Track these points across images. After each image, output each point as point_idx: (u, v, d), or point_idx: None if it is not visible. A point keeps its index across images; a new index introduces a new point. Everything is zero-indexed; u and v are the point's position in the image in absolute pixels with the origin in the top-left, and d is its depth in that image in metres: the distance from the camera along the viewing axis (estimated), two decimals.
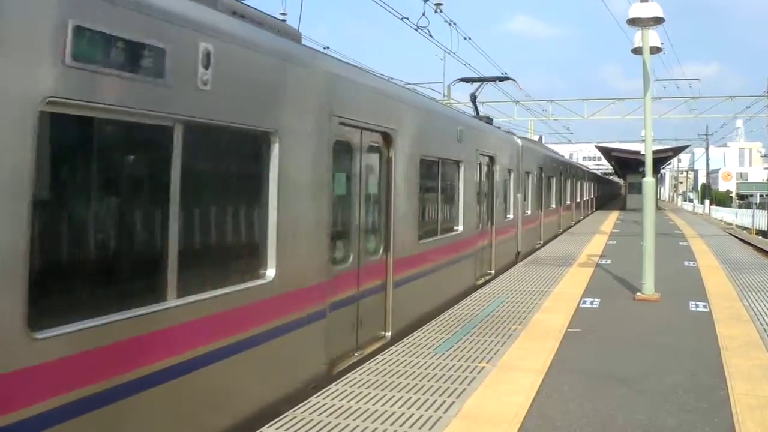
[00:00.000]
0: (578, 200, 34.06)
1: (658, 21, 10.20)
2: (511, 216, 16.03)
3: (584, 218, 34.32)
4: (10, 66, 3.49)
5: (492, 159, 13.94)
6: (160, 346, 4.45)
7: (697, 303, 9.74)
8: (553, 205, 24.06)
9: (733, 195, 71.33)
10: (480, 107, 38.30)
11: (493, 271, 13.69)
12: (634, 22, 10.24)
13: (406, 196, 8.86)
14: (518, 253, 16.61)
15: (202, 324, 4.83)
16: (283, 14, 16.10)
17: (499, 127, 17.48)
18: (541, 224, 20.81)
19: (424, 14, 16.15)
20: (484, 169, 13.51)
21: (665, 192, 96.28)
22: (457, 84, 18.62)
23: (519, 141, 17.58)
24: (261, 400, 5.55)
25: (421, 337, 7.69)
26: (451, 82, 18.97)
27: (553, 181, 24.03)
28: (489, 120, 16.18)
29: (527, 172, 18.25)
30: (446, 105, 19.96)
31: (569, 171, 29.83)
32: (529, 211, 18.55)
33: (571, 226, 27.75)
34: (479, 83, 18.38)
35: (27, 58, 3.60)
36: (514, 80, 20.63)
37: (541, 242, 20.16)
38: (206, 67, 4.83)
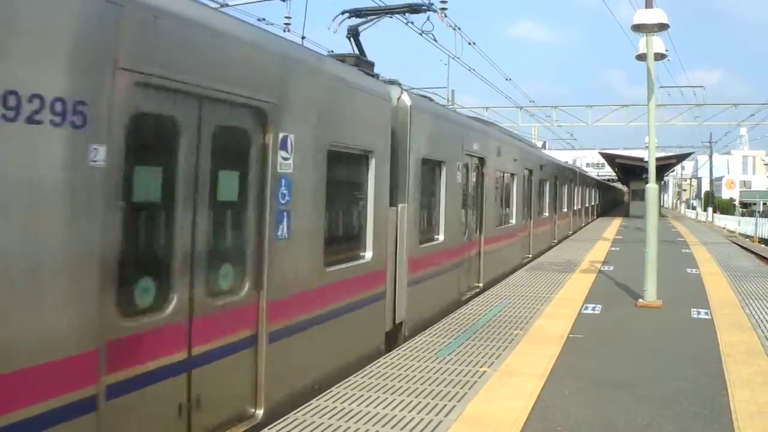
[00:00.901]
0: (566, 210, 26.89)
1: (662, 27, 10.22)
2: (366, 256, 7.86)
3: (574, 233, 27.84)
4: None
5: (261, 114, 5.72)
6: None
7: (699, 310, 9.74)
8: (514, 221, 16.19)
9: (737, 203, 71.24)
10: (483, 112, 38.30)
11: None
12: (638, 28, 10.26)
13: None
14: (399, 325, 8.71)
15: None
16: (288, 17, 16.17)
17: (375, 76, 8.86)
18: (481, 255, 12.75)
19: (428, 18, 16.13)
20: (224, 143, 5.37)
21: (668, 199, 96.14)
22: (343, 22, 10.42)
23: (403, 97, 8.94)
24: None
25: (423, 341, 7.71)
26: (334, 18, 10.17)
27: (516, 184, 16.26)
28: (364, 63, 8.84)
29: (438, 163, 10.24)
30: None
31: (551, 171, 22.51)
32: (441, 237, 10.36)
33: (552, 246, 21.26)
34: (375, 17, 10.69)
35: None
36: (434, 11, 13.29)
37: (481, 285, 12.53)
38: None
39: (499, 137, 15.15)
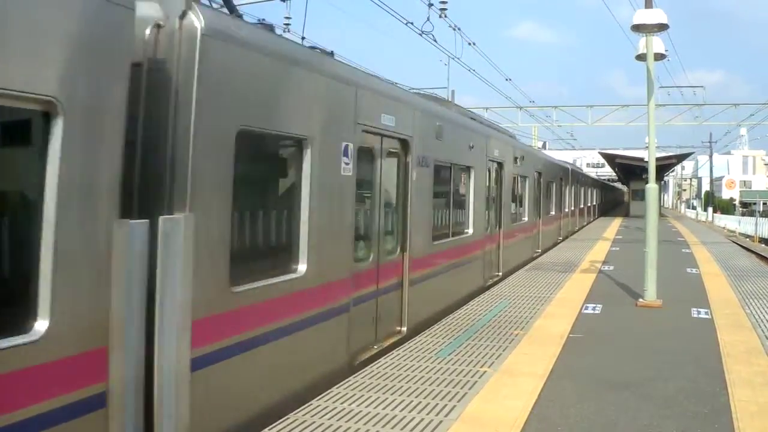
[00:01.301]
0: (554, 213, 23.22)
1: (662, 27, 10.23)
2: (35, 330, 3.71)
3: (564, 239, 24.17)
4: None
5: None
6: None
7: (699, 309, 9.73)
8: (471, 230, 12.05)
9: (737, 203, 71.27)
10: (484, 113, 38.20)
11: None
12: (638, 28, 10.27)
13: None
14: None
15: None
16: (288, 18, 16.19)
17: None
18: (405, 287, 8.77)
19: (428, 19, 16.16)
20: None
21: (668, 199, 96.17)
22: None
23: (191, 17, 4.82)
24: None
25: (424, 341, 7.71)
26: None
27: (475, 181, 12.20)
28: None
29: (294, 143, 6.40)
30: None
31: (532, 166, 18.20)
32: (301, 268, 6.24)
33: (534, 257, 17.83)
34: None
35: None
36: None
37: (404, 329, 8.64)
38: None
39: (438, 113, 10.57)
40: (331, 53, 7.75)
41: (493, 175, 13.91)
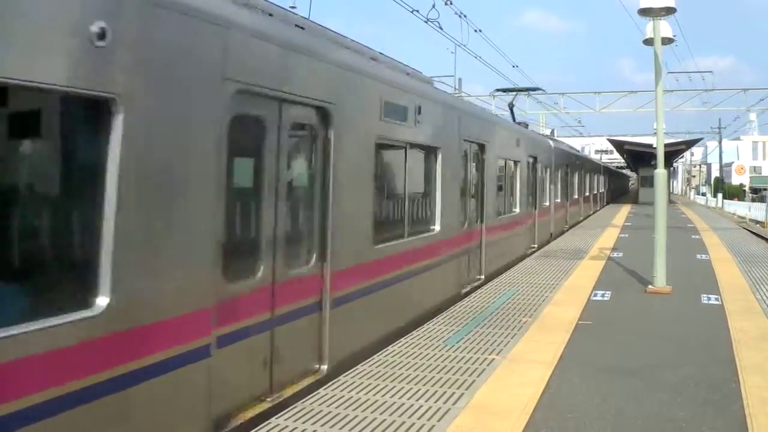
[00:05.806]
0: (503, 214, 14.14)
1: (669, 11, 10.12)
2: None
3: (522, 257, 14.77)
4: None
5: None
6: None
7: (709, 296, 9.66)
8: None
9: (747, 189, 70.78)
10: (491, 100, 37.90)
11: None
12: (645, 12, 10.17)
13: None
14: None
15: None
16: (293, 7, 16.10)
17: None
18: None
19: (434, 6, 16.05)
20: None
21: (678, 186, 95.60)
22: None
23: None
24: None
25: (432, 329, 7.69)
26: None
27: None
28: None
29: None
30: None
31: (441, 125, 9.89)
32: None
33: (474, 283, 11.46)
34: None
35: None
36: None
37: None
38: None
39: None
40: None
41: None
